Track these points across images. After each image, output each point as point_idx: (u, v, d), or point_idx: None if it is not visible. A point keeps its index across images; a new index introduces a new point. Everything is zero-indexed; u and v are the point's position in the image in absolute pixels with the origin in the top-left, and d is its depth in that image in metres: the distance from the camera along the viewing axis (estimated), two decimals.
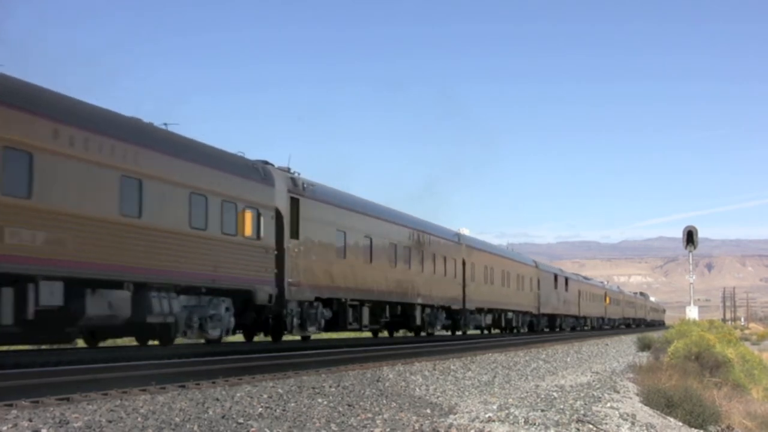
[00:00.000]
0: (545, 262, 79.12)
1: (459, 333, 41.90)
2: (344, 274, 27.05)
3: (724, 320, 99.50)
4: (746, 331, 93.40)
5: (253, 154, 24.26)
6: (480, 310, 43.24)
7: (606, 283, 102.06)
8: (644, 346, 35.01)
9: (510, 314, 49.85)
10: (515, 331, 52.36)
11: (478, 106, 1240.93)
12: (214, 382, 13.09)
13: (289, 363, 16.55)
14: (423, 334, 36.32)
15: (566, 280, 67.39)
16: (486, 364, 21.44)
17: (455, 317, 39.45)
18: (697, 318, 42.33)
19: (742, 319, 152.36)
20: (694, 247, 42.71)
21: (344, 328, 27.46)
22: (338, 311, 26.45)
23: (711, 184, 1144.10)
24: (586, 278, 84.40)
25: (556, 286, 62.84)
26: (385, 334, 35.42)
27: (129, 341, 27.88)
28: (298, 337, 27.62)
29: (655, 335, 43.28)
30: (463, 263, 40.67)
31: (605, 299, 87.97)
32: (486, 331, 47.89)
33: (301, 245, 24.42)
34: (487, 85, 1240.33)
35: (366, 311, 28.46)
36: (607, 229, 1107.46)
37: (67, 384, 11.35)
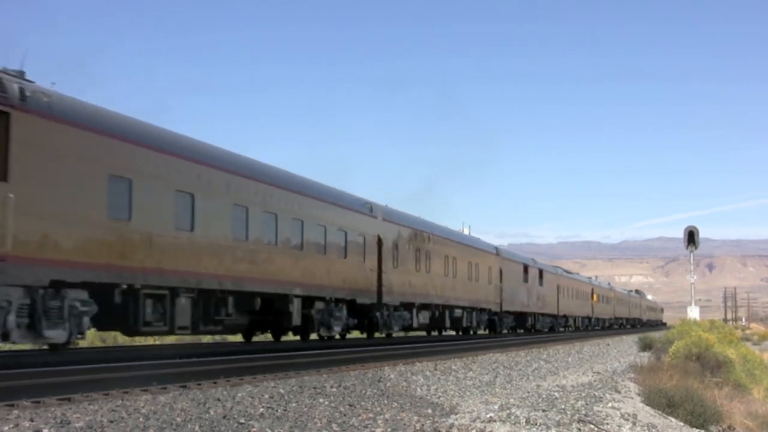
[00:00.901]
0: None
1: (380, 335, 31.88)
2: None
3: (725, 320, 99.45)
4: (747, 331, 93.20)
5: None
6: (408, 306, 32.87)
7: (595, 279, 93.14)
8: (645, 346, 35.01)
9: (458, 311, 39.32)
10: (471, 332, 43.19)
11: (478, 106, 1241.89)
12: (215, 382, 13.09)
13: (291, 363, 16.55)
14: (314, 336, 27.29)
15: (540, 272, 57.52)
16: (487, 364, 21.44)
17: (368, 315, 29.66)
18: (698, 318, 42.32)
19: (743, 319, 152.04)
20: (695, 247, 42.69)
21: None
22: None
23: (711, 184, 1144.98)
24: (568, 272, 74.07)
25: (526, 279, 53.25)
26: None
27: (129, 341, 27.91)
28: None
29: (656, 335, 43.26)
30: (379, 242, 30.42)
31: (592, 296, 79.43)
32: (426, 333, 39.58)
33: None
34: (487, 85, 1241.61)
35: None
36: (607, 229, 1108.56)
37: (69, 384, 11.35)
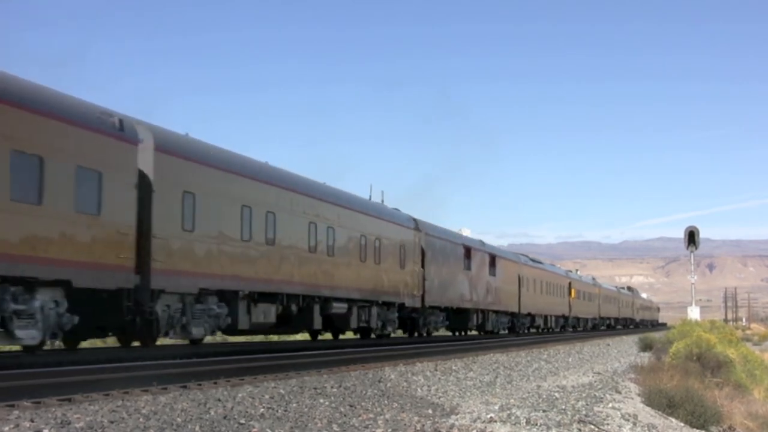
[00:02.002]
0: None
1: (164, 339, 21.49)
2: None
3: (725, 320, 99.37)
4: (748, 332, 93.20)
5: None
6: (257, 298, 22.13)
7: (577, 272, 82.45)
8: (646, 347, 35.03)
9: (342, 306, 27.12)
10: (372, 335, 30.73)
11: (477, 106, 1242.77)
12: (215, 383, 13.09)
13: (291, 363, 16.55)
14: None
15: (492, 258, 44.84)
16: (488, 365, 21.44)
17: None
18: (698, 318, 42.35)
19: (744, 320, 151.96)
20: (696, 248, 42.71)
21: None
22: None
23: (712, 184, 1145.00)
24: (535, 261, 60.54)
25: (468, 266, 40.40)
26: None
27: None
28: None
29: (656, 336, 43.27)
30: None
31: (569, 291, 66.53)
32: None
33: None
34: (486, 85, 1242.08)
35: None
36: (608, 229, 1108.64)
37: (69, 384, 11.35)
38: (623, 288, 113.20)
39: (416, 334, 35.29)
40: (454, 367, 19.81)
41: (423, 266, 34.56)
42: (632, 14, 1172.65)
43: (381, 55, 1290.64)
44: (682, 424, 13.99)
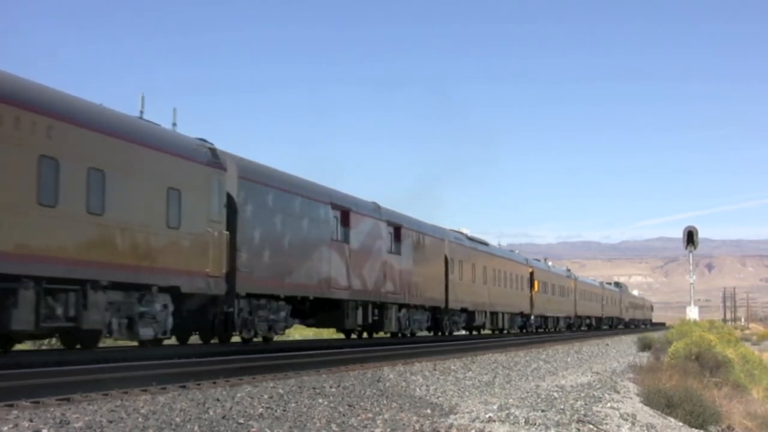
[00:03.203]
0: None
1: None
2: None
3: (724, 320, 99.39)
4: (746, 332, 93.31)
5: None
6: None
7: (544, 261, 67.14)
8: (644, 347, 35.05)
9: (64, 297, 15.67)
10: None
11: (477, 106, 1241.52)
12: (214, 383, 13.10)
13: (290, 363, 16.55)
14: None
15: (396, 229, 32.25)
16: (486, 365, 21.45)
17: None
18: (697, 318, 42.40)
19: (743, 320, 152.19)
20: (695, 248, 42.74)
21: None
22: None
23: (711, 184, 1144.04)
24: (477, 241, 45.12)
25: (344, 237, 27.77)
26: None
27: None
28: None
29: (655, 335, 43.31)
30: None
31: (532, 284, 54.26)
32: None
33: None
34: (486, 84, 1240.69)
35: None
36: (607, 229, 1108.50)
37: (68, 384, 11.35)
38: (609, 283, 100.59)
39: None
40: (452, 367, 19.82)
41: (244, 231, 21.51)
42: (632, 14, 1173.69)
43: (380, 55, 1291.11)
44: (680, 424, 14.01)
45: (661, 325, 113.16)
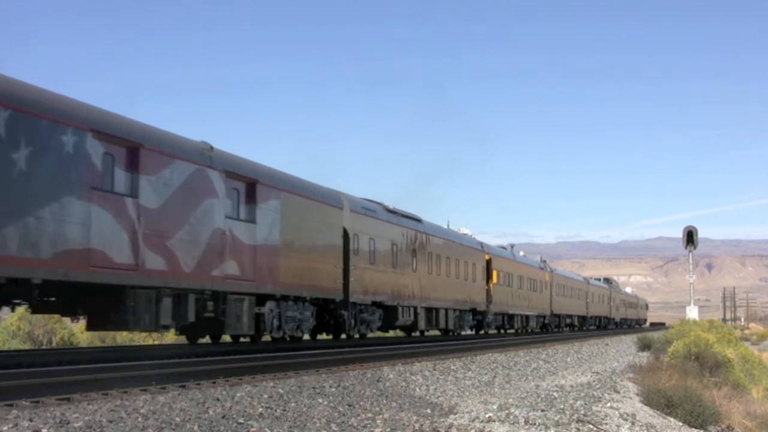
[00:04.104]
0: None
1: None
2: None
3: (724, 320, 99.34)
4: (746, 331, 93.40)
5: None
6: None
7: (511, 248, 55.29)
8: (644, 346, 35.07)
9: None
10: None
11: (476, 106, 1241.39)
12: (214, 382, 13.09)
13: (290, 363, 16.54)
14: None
15: (251, 187, 21.54)
16: (486, 364, 21.45)
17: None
18: (697, 318, 42.47)
19: (742, 319, 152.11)
20: (694, 247, 42.83)
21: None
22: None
23: (711, 183, 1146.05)
24: (394, 211, 32.63)
25: (128, 187, 17.06)
26: None
27: (128, 340, 27.86)
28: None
29: (655, 335, 43.35)
30: None
31: (489, 274, 43.83)
32: None
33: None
34: (486, 84, 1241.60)
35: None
36: (607, 229, 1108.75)
37: (68, 384, 11.34)
38: (598, 279, 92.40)
39: None
40: (452, 367, 19.81)
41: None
42: (632, 14, 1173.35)
43: (376, 54, 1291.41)
44: (680, 424, 14.01)
45: (660, 325, 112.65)
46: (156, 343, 28.68)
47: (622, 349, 35.70)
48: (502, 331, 49.16)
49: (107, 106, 17.73)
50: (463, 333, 41.85)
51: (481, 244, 44.93)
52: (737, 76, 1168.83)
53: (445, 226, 41.71)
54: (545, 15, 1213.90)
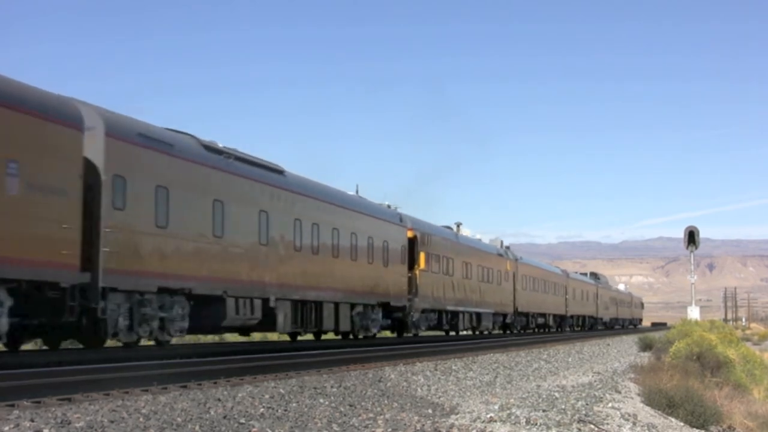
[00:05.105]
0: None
1: None
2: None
3: (725, 320, 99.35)
4: (747, 331, 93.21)
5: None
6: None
7: (457, 229, 43.62)
8: (645, 347, 35.07)
9: None
10: None
11: (477, 105, 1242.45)
12: (215, 383, 13.09)
13: (291, 363, 16.56)
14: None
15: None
16: (487, 365, 21.45)
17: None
18: (698, 318, 42.37)
19: (744, 319, 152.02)
20: (696, 247, 42.73)
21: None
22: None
23: (712, 183, 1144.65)
24: (213, 148, 20.69)
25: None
26: None
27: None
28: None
29: (656, 335, 43.34)
30: None
31: (413, 258, 33.78)
32: None
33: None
34: (486, 84, 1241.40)
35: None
36: (608, 229, 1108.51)
37: (69, 384, 11.35)
38: (584, 274, 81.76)
39: None
40: (454, 367, 19.81)
41: None
42: (632, 14, 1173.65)
43: (376, 54, 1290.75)
44: (681, 424, 14.00)
45: (662, 325, 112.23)
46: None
47: (623, 350, 35.71)
48: (447, 331, 40.26)
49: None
50: (378, 335, 31.60)
51: (401, 216, 33.92)
52: (737, 76, 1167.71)
53: (354, 193, 31.92)
54: (545, 15, 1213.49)
